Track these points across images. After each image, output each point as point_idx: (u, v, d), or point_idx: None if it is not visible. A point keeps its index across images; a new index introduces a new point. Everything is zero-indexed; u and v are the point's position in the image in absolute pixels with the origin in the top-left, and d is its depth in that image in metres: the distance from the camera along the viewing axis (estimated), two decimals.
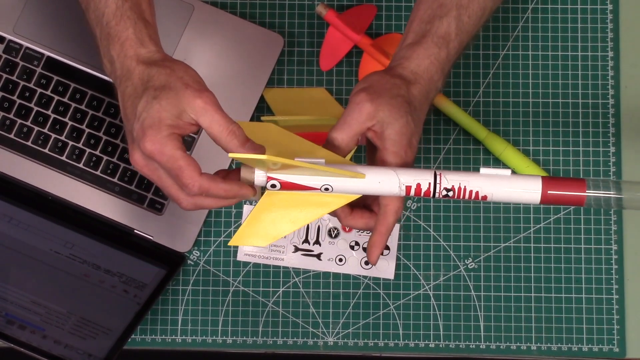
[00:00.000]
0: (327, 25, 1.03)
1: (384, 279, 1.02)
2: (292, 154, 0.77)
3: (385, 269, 1.02)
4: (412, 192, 0.77)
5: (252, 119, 1.02)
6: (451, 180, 0.76)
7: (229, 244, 0.85)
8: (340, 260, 1.02)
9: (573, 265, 1.01)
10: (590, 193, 0.76)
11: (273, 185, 0.77)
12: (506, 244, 1.02)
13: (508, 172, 0.77)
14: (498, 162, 1.02)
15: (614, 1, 1.04)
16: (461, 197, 0.76)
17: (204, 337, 1.02)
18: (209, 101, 0.76)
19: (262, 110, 1.03)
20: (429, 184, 0.76)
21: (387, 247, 1.02)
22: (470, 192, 0.76)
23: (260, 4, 1.04)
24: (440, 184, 0.76)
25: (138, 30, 0.80)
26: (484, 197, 0.76)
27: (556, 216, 1.02)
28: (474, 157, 1.03)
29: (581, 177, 1.02)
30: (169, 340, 1.02)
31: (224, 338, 1.01)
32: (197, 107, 0.76)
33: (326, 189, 0.77)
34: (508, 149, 1.00)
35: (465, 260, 1.02)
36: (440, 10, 0.84)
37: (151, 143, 0.75)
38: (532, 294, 1.01)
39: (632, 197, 0.76)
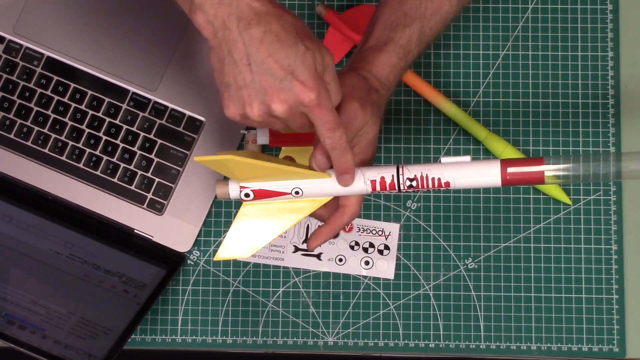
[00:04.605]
0: (327, 25, 1.03)
1: (384, 279, 1.02)
2: (265, 177, 0.80)
3: (385, 269, 1.02)
4: (378, 187, 0.80)
5: None
6: (412, 170, 0.79)
7: (214, 259, 0.86)
8: (340, 260, 1.02)
9: (573, 265, 1.01)
10: (548, 168, 0.77)
11: (247, 195, 0.80)
12: (506, 244, 1.02)
13: (468, 158, 0.79)
14: None
15: (614, 1, 1.04)
16: (425, 186, 0.79)
17: (204, 337, 1.02)
18: (332, 54, 0.76)
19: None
20: (392, 176, 0.79)
21: (387, 247, 1.02)
22: (433, 179, 0.79)
23: None
24: (402, 175, 0.79)
25: None
26: (447, 184, 0.79)
27: (556, 216, 1.02)
28: (473, 157, 1.02)
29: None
30: (169, 340, 1.02)
31: (224, 338, 1.01)
32: (327, 60, 0.75)
33: (296, 193, 0.80)
34: (508, 149, 1.00)
35: (465, 260, 1.02)
36: (404, 20, 0.86)
37: (316, 95, 0.73)
38: (532, 294, 1.01)
39: (591, 169, 0.77)
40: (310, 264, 1.02)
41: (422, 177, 0.79)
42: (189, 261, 1.02)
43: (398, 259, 1.02)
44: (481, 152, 1.02)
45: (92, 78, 1.02)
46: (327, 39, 1.02)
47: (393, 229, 1.02)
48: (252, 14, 0.73)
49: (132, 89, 1.02)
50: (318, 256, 1.02)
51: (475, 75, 1.04)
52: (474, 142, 1.03)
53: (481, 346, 1.01)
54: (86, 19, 1.03)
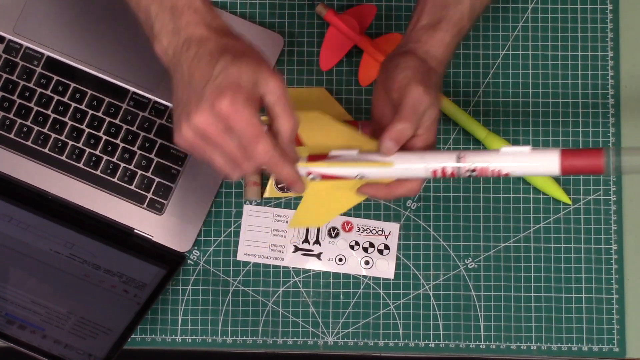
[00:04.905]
0: (327, 25, 1.03)
1: (384, 279, 1.02)
2: (330, 144, 0.84)
3: (385, 268, 1.02)
4: (439, 174, 0.82)
5: None
6: (474, 161, 0.81)
7: (288, 226, 0.97)
8: (340, 260, 1.02)
9: (573, 265, 1.01)
10: (609, 160, 0.78)
11: (313, 179, 0.84)
12: (506, 244, 1.02)
13: (527, 148, 0.81)
14: None
15: (614, 1, 1.04)
16: (484, 175, 0.82)
17: (204, 337, 1.02)
18: (282, 81, 0.76)
19: (262, 110, 1.03)
20: (453, 166, 0.82)
21: (387, 247, 1.02)
22: (493, 171, 0.81)
23: (260, 4, 1.04)
24: (464, 166, 0.81)
25: (205, 1, 0.79)
26: (507, 174, 0.81)
27: (556, 216, 1.02)
28: None
29: (581, 177, 1.02)
30: (169, 340, 1.02)
31: (224, 338, 1.01)
32: (271, 83, 0.75)
33: (361, 177, 0.83)
34: None
35: (465, 260, 1.02)
36: None
37: (230, 103, 0.72)
38: (532, 294, 1.01)
39: None
40: (310, 264, 1.02)
41: (482, 168, 0.81)
42: (189, 261, 1.02)
43: (398, 258, 1.02)
44: None
45: (92, 78, 1.02)
46: (327, 39, 1.02)
47: (393, 228, 1.02)
48: (195, 39, 0.75)
49: (132, 89, 1.02)
50: (318, 256, 1.02)
51: (475, 75, 1.04)
52: (474, 142, 1.03)
53: (481, 346, 1.01)
54: (86, 19, 1.03)
